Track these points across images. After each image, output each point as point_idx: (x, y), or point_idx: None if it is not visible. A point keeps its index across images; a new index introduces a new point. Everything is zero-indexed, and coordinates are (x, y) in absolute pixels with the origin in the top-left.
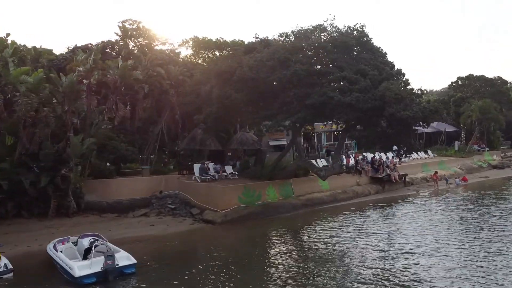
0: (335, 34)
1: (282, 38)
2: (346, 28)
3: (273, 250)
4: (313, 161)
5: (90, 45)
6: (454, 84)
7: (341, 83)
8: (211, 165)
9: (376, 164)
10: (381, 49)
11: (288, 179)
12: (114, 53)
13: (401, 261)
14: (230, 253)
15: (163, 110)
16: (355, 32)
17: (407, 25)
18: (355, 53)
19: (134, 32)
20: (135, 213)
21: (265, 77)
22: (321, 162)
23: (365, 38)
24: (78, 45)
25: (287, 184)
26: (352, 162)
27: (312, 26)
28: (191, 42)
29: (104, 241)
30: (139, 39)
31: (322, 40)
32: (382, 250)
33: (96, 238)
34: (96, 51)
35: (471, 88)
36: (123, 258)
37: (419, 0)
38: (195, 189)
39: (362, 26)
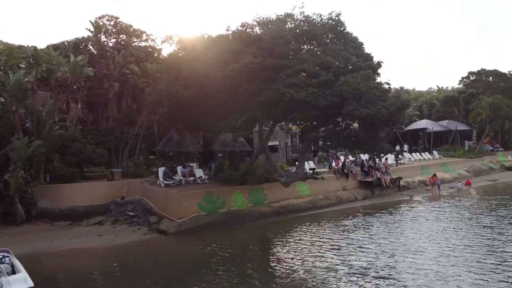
0: (302, 23)
1: (242, 29)
2: (318, 16)
3: (221, 269)
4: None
5: (66, 43)
6: (465, 80)
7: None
8: (179, 168)
9: (366, 166)
10: (357, 39)
11: (260, 184)
12: (84, 51)
13: None
14: (163, 272)
15: (142, 110)
16: (330, 21)
17: (406, 24)
18: (327, 43)
19: (111, 29)
20: (89, 221)
21: (218, 72)
22: (308, 165)
23: (341, 28)
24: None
25: (259, 189)
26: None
27: (278, 15)
28: (175, 39)
29: (9, 258)
30: (119, 36)
31: (287, 29)
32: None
33: (6, 255)
34: (64, 48)
35: (482, 83)
36: (17, 282)
37: (418, 0)
38: (157, 195)
39: (338, 14)
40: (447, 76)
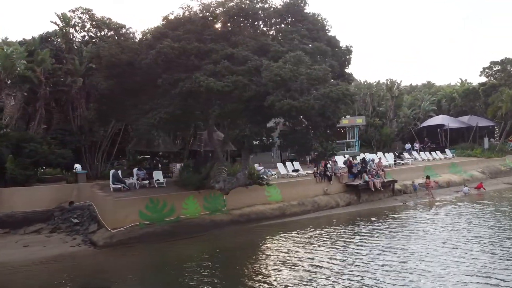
0: (243, 1)
1: (182, 11)
2: None
3: None
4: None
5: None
6: (487, 71)
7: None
8: (135, 170)
9: (356, 169)
10: (321, 20)
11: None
12: (51, 46)
13: None
14: None
15: None
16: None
17: (390, 15)
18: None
19: (84, 22)
20: (28, 229)
21: (141, 61)
22: (292, 166)
23: (299, 6)
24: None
25: (218, 195)
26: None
27: None
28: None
29: None
30: (92, 30)
31: (220, 9)
32: None
33: None
34: (30, 43)
35: (506, 73)
36: None
37: None
38: (103, 201)
39: None
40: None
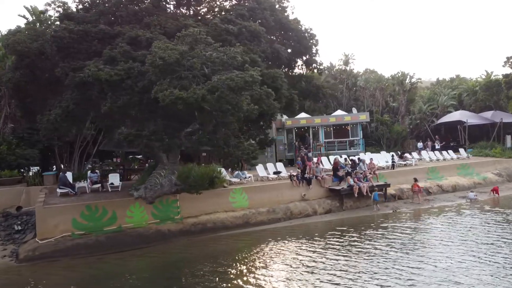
0: None
1: None
2: None
3: None
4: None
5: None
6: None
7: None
8: (88, 173)
9: (343, 171)
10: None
11: (173, 195)
12: None
13: None
14: None
15: None
16: None
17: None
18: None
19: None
20: None
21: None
22: (274, 168)
23: None
24: None
25: (171, 201)
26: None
27: None
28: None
29: None
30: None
31: None
32: None
33: None
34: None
35: None
36: None
37: None
38: (37, 208)
39: None
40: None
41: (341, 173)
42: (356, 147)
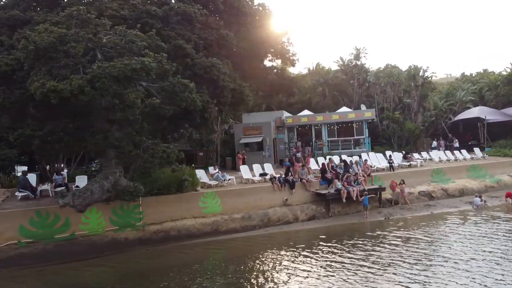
0: None
1: None
2: None
3: None
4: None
5: None
6: None
7: None
8: (54, 176)
9: (330, 174)
10: None
11: (136, 199)
12: None
13: None
14: None
15: None
16: None
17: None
18: None
19: None
20: None
21: None
22: (259, 169)
23: None
24: None
25: (133, 206)
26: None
27: None
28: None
29: None
30: None
31: None
32: None
33: None
34: None
35: None
36: None
37: None
38: None
39: None
40: None
41: (329, 175)
42: (361, 146)
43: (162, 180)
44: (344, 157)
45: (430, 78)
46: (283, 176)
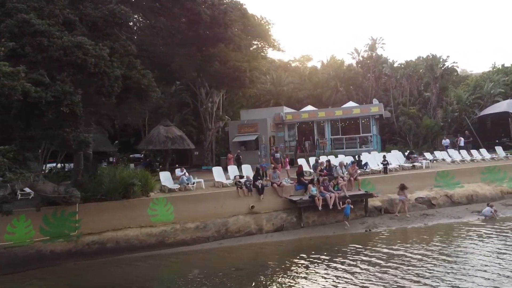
0: None
1: None
2: None
3: None
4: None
5: None
6: None
7: None
8: None
9: (314, 174)
10: None
11: (71, 205)
12: None
13: None
14: None
15: None
16: None
17: None
18: None
19: None
20: None
21: None
22: (235, 171)
23: None
24: None
25: (68, 213)
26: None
27: None
28: None
29: None
30: None
31: None
32: None
33: None
34: None
35: None
36: None
37: None
38: None
39: None
40: None
41: (307, 179)
42: (368, 145)
43: (105, 185)
44: (343, 157)
45: (450, 69)
46: (252, 179)
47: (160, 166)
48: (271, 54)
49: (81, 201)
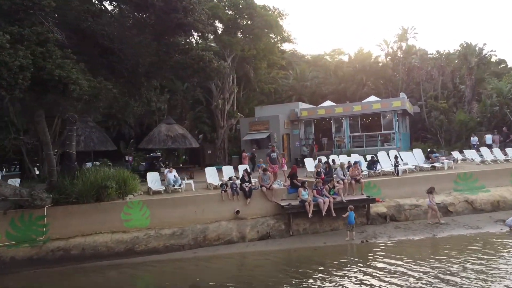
0: None
1: None
2: None
3: None
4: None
5: None
6: None
7: None
8: None
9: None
10: None
11: (40, 209)
12: None
13: None
14: None
15: None
16: None
17: None
18: None
19: None
20: None
21: None
22: (231, 172)
23: None
24: None
25: (36, 217)
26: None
27: None
28: None
29: None
30: None
31: None
32: None
33: None
34: None
35: None
36: None
37: None
38: None
39: None
40: None
41: (299, 181)
42: (390, 143)
43: (76, 186)
44: (344, 157)
45: (488, 59)
46: (240, 181)
47: (163, 166)
48: (299, 49)
49: (52, 204)
